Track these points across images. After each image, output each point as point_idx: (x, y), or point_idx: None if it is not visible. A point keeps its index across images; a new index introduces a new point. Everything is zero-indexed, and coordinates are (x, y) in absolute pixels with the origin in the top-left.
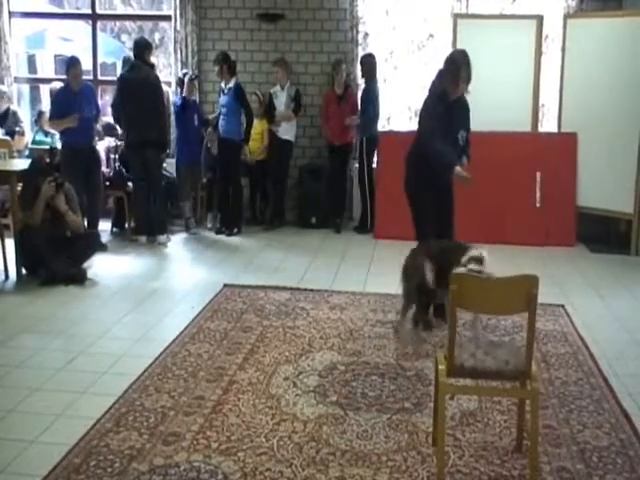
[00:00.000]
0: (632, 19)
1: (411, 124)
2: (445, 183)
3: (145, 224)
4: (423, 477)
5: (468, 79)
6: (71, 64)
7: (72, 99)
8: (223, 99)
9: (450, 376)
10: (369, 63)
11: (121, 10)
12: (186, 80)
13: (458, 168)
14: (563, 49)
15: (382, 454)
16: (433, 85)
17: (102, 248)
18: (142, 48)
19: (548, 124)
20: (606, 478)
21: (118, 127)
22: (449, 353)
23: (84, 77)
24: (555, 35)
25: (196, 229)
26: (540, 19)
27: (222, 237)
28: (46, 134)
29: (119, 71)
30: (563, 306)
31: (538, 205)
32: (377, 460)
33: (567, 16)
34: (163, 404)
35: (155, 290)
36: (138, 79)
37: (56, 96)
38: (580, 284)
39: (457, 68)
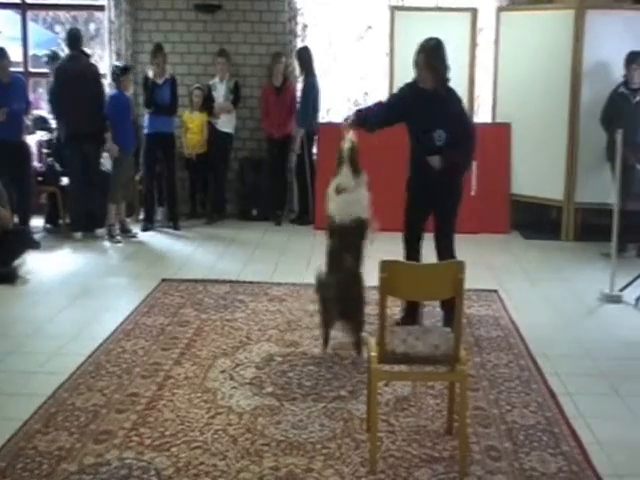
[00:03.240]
0: (562, 12)
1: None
2: (424, 184)
3: (82, 220)
4: (356, 463)
5: (415, 64)
6: None
7: (0, 92)
8: (160, 92)
9: (382, 362)
10: (305, 56)
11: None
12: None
13: (349, 118)
14: (496, 41)
15: (317, 442)
16: None
17: (34, 245)
18: (76, 38)
19: (483, 114)
20: (531, 455)
21: (55, 119)
22: (380, 340)
23: (13, 69)
24: (489, 27)
25: (120, 235)
26: (474, 12)
27: (160, 231)
28: None
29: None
30: (496, 291)
31: (473, 194)
32: (312, 448)
33: (500, 9)
34: (95, 402)
35: (90, 287)
36: (77, 70)
37: None
38: (513, 270)
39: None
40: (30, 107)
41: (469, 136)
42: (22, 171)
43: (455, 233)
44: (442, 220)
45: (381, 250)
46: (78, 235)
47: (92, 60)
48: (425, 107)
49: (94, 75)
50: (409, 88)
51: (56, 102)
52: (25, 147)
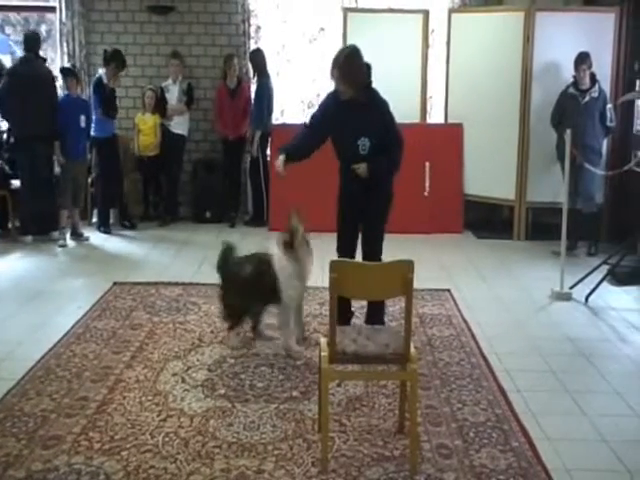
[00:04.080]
0: (512, 14)
1: (304, 117)
2: (352, 194)
3: (32, 223)
4: (308, 463)
5: (337, 77)
6: None
7: None
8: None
9: (333, 362)
10: (258, 58)
11: (3, 1)
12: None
13: (278, 160)
14: (448, 42)
15: (268, 443)
16: None
17: None
18: (33, 41)
19: (435, 115)
20: (482, 451)
21: (6, 121)
22: (331, 339)
23: None
24: (441, 29)
25: (64, 239)
26: (426, 13)
27: (112, 234)
28: None
29: None
30: (449, 290)
31: (426, 194)
32: (263, 450)
33: (451, 10)
34: (44, 407)
35: (41, 291)
36: (30, 73)
37: None
38: (466, 269)
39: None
40: None
41: (395, 141)
42: None
43: (383, 240)
44: (369, 225)
45: (329, 250)
46: (28, 239)
47: (46, 63)
48: (347, 116)
49: (47, 78)
50: (330, 99)
51: (6, 104)
52: None
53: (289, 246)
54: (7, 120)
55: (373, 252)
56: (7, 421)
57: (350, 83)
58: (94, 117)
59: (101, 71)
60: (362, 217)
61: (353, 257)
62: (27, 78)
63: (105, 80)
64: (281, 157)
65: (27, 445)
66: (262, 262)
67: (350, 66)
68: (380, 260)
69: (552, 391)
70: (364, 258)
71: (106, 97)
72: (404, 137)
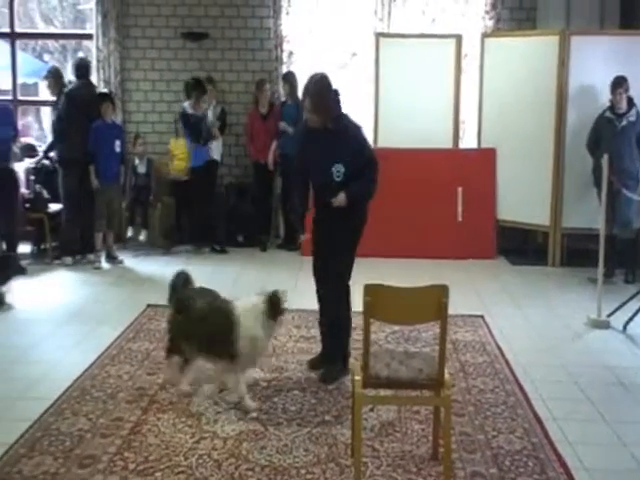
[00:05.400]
0: (545, 38)
1: None
2: (325, 221)
3: (73, 245)
4: None
5: (308, 107)
6: None
7: None
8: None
9: (366, 387)
10: (291, 80)
11: (42, 29)
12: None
13: (302, 238)
14: (481, 67)
15: (301, 467)
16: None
17: (20, 271)
18: (84, 68)
19: (468, 140)
20: None
21: (57, 143)
22: (364, 364)
23: (2, 97)
24: (473, 53)
25: (100, 262)
26: (459, 38)
27: (146, 257)
28: None
29: (41, 91)
30: (482, 317)
31: (459, 219)
32: (296, 474)
33: (484, 35)
34: (80, 427)
35: (76, 312)
36: (88, 98)
37: None
38: (499, 295)
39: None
40: (18, 135)
41: (370, 164)
42: (10, 199)
43: (349, 272)
44: (335, 252)
45: (365, 275)
46: (68, 260)
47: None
48: (319, 144)
49: (97, 103)
50: (303, 130)
51: (64, 126)
52: (13, 174)
53: (271, 315)
54: (58, 142)
55: (338, 278)
56: (44, 440)
57: (320, 113)
58: (187, 148)
59: (185, 103)
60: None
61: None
62: (85, 102)
63: (189, 110)
64: (302, 236)
65: (64, 464)
66: (220, 308)
67: (320, 96)
68: (347, 286)
69: (589, 420)
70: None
71: (191, 126)
72: (378, 158)
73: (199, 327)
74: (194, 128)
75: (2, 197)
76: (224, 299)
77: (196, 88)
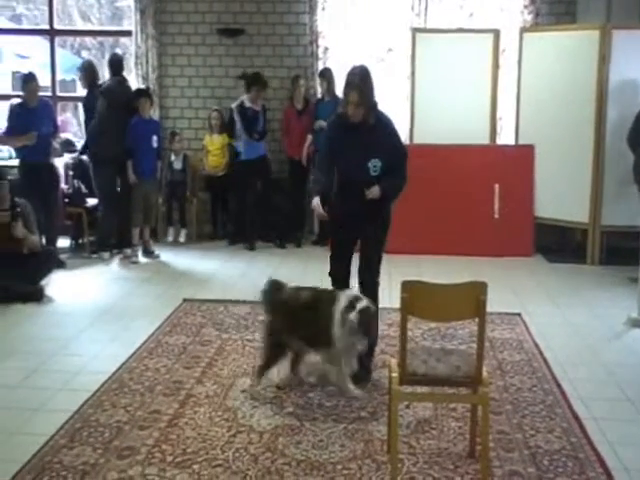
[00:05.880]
0: (585, 33)
1: None
2: (349, 211)
3: (110, 239)
4: None
5: (345, 100)
6: (27, 80)
7: (28, 116)
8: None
9: (403, 384)
10: (328, 76)
11: (80, 26)
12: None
13: (315, 202)
14: (519, 62)
15: (337, 463)
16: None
17: (60, 265)
18: (119, 64)
19: (506, 136)
20: None
21: (91, 140)
22: (401, 360)
23: (42, 93)
24: (511, 49)
25: (136, 256)
26: (497, 33)
27: (182, 252)
28: None
29: (78, 88)
30: (520, 314)
31: (496, 216)
32: (332, 469)
33: (523, 30)
34: (118, 419)
35: (113, 306)
36: (124, 94)
37: (12, 112)
38: (537, 293)
39: (344, 89)
40: (58, 130)
41: (403, 159)
42: (50, 193)
43: (380, 267)
44: (370, 251)
45: (401, 272)
46: (106, 255)
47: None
48: (356, 139)
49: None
50: (337, 123)
51: (97, 124)
52: (53, 170)
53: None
54: (91, 142)
55: (373, 281)
56: (84, 430)
57: (365, 106)
58: (242, 141)
59: (243, 96)
60: (361, 242)
61: (348, 283)
62: (118, 99)
63: (247, 104)
64: (316, 200)
65: (103, 454)
66: (322, 298)
67: (368, 89)
68: (377, 289)
69: (630, 420)
70: (361, 285)
71: (247, 120)
72: (408, 156)
73: (304, 316)
74: (251, 122)
75: (43, 192)
76: (326, 289)
77: (256, 82)
